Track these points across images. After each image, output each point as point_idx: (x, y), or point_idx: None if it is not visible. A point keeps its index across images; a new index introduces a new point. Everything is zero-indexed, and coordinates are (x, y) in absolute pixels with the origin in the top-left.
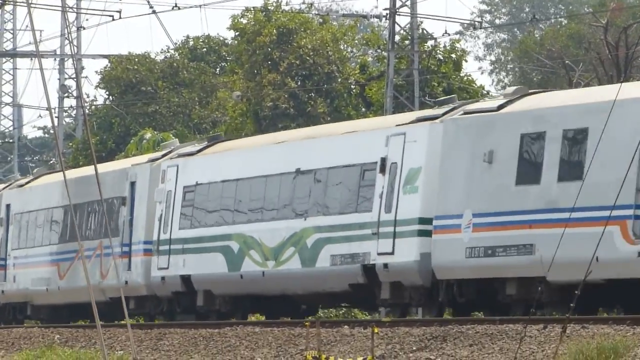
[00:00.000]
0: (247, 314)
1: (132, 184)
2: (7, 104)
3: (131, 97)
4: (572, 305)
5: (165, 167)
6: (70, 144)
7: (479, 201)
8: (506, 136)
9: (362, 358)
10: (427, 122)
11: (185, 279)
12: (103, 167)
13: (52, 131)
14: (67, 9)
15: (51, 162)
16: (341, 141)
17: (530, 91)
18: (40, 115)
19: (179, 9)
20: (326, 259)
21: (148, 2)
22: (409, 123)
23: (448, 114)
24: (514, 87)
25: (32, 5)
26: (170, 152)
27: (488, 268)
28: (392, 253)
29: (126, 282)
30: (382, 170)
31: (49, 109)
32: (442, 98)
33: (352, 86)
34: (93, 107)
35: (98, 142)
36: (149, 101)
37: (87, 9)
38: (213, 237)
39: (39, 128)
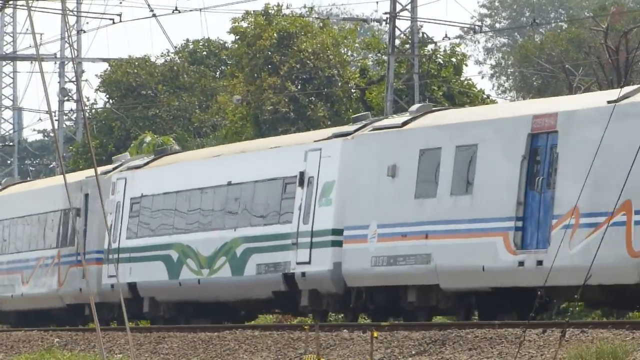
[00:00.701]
0: (190, 319)
1: (86, 196)
2: (7, 107)
3: (131, 101)
4: (570, 309)
5: (115, 180)
6: (71, 147)
7: (383, 213)
8: (407, 151)
9: None
10: (340, 139)
11: (132, 287)
12: (60, 180)
13: (52, 134)
14: (68, 12)
15: (51, 165)
16: (266, 156)
17: (433, 109)
18: (40, 119)
19: (179, 12)
20: (253, 267)
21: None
22: (325, 139)
23: (360, 130)
24: (419, 105)
25: (33, 9)
26: (120, 165)
27: (391, 276)
28: (309, 262)
29: (80, 290)
30: (301, 184)
31: (49, 112)
32: (356, 115)
33: (352, 90)
34: (93, 110)
35: (98, 146)
36: (149, 105)
37: (88, 12)
38: (155, 247)
39: (39, 131)
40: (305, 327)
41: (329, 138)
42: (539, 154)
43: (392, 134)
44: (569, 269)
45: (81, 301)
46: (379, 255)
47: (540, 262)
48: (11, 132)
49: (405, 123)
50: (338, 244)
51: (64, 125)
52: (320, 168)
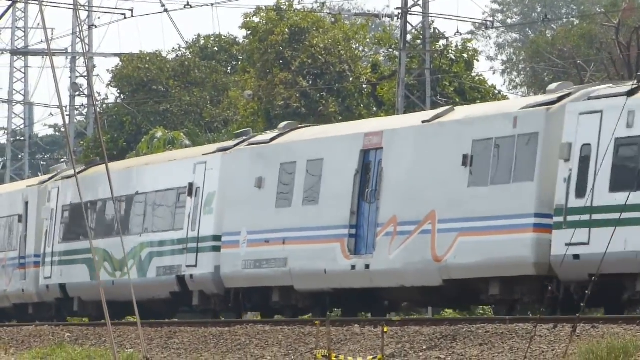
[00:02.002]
0: (116, 318)
1: (26, 204)
2: (18, 102)
3: (142, 96)
4: (582, 304)
5: (50, 189)
6: (82, 142)
7: (252, 221)
8: (271, 165)
9: (372, 357)
10: (221, 153)
11: (63, 287)
12: (5, 188)
13: (63, 129)
14: (79, 7)
15: (62, 160)
16: (165, 168)
17: (299, 125)
18: (51, 114)
19: (191, 7)
20: (154, 270)
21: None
22: (210, 153)
23: (238, 146)
24: (286, 122)
25: (44, 4)
26: (56, 174)
27: (258, 278)
28: (195, 266)
29: (23, 290)
30: (190, 194)
31: (60, 107)
32: (239, 131)
33: (363, 86)
34: (104, 105)
35: (109, 141)
36: (161, 100)
37: (99, 7)
38: (80, 251)
39: (50, 126)
40: (317, 322)
41: (213, 152)
42: (370, 168)
43: (260, 149)
44: (389, 271)
45: (24, 301)
46: (248, 259)
47: (367, 266)
48: (22, 127)
49: (272, 139)
50: (218, 249)
51: (75, 120)
52: (205, 180)
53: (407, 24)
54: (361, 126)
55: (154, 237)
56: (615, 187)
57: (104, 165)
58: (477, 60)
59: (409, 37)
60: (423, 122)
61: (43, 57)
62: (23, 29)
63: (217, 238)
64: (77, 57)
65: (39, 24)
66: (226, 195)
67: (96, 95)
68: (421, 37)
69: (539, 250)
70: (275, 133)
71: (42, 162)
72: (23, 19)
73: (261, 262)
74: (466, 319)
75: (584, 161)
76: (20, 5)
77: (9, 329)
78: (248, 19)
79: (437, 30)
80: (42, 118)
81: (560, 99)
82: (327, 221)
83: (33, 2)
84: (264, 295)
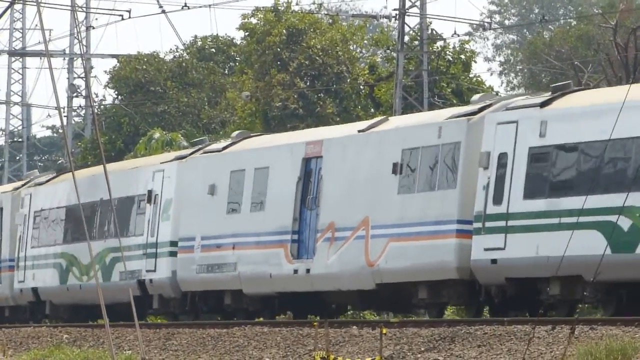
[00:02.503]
0: (85, 321)
1: (1, 209)
2: (16, 103)
3: (140, 97)
4: (580, 305)
5: (23, 195)
6: (79, 143)
7: (205, 227)
8: (222, 173)
9: (370, 358)
10: (177, 161)
11: (35, 291)
12: None
13: (61, 131)
14: (77, 8)
15: (60, 161)
16: (127, 175)
17: (251, 134)
18: (49, 115)
19: (189, 8)
20: (117, 274)
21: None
22: (168, 161)
23: (195, 153)
24: (238, 132)
25: (42, 5)
26: (29, 181)
27: (210, 282)
28: (154, 270)
29: None
30: (149, 201)
31: (58, 108)
32: (195, 140)
33: (361, 87)
34: (102, 106)
35: (107, 142)
36: (158, 101)
37: (97, 8)
38: (50, 255)
39: (48, 127)
40: (315, 323)
41: (170, 161)
42: (311, 176)
43: (213, 157)
44: (328, 276)
45: (0, 304)
46: (201, 264)
47: (308, 270)
48: (20, 128)
49: (225, 147)
50: (175, 254)
51: (73, 122)
52: (163, 187)
53: (405, 25)
54: (304, 135)
55: (117, 242)
56: (528, 194)
57: (70, 173)
58: (475, 62)
59: (406, 38)
60: (359, 131)
61: (41, 58)
62: (21, 30)
63: (174, 244)
64: (75, 58)
65: (36, 25)
66: (182, 202)
67: (94, 96)
68: (419, 38)
69: (461, 255)
70: (228, 142)
71: (40, 164)
72: (21, 20)
73: (213, 266)
74: (464, 320)
75: (501, 169)
76: (18, 6)
77: (7, 330)
78: (245, 20)
79: (434, 32)
80: (39, 119)
81: (481, 109)
82: (272, 227)
83: (31, 3)
84: (217, 298)
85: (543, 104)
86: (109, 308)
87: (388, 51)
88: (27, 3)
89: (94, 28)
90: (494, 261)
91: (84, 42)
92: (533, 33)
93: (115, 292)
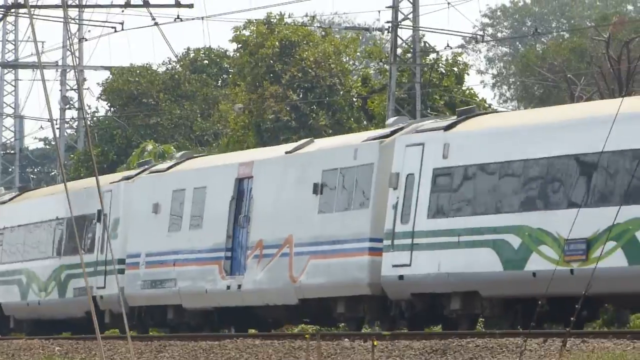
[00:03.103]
0: (48, 336)
1: None
2: (8, 115)
3: (133, 109)
4: (572, 319)
5: None
6: (72, 155)
7: (149, 244)
8: (165, 192)
9: None
10: (124, 181)
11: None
12: None
13: (53, 142)
14: (70, 20)
15: (52, 173)
16: (80, 195)
17: (194, 155)
18: (41, 127)
19: (181, 20)
20: (71, 291)
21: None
22: (117, 181)
23: (141, 174)
24: (181, 152)
25: (34, 17)
26: None
27: (154, 297)
28: (104, 287)
29: None
30: (99, 220)
31: (50, 120)
32: (141, 161)
33: (354, 99)
34: (95, 118)
35: (100, 154)
36: (151, 113)
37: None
38: (12, 272)
39: (41, 139)
40: (307, 335)
41: (118, 181)
42: (243, 195)
43: (157, 177)
44: (257, 291)
45: None
46: (146, 279)
47: (239, 286)
48: (12, 140)
49: (168, 168)
50: (123, 271)
51: (66, 134)
52: (111, 206)
53: (398, 38)
54: (238, 157)
55: (71, 260)
56: (432, 213)
57: (33, 192)
58: (468, 74)
59: (399, 50)
60: (286, 153)
61: (33, 70)
62: (13, 42)
63: (122, 261)
64: (68, 70)
65: (29, 37)
66: (129, 220)
67: (86, 108)
68: (411, 50)
69: (373, 271)
70: (172, 162)
71: (32, 176)
72: (13, 31)
73: (156, 282)
74: (456, 333)
75: (408, 189)
76: (10, 18)
77: None
78: (238, 32)
79: (427, 44)
80: (32, 131)
81: (393, 132)
82: (208, 244)
83: (23, 15)
84: (161, 313)
85: (447, 128)
86: (65, 323)
87: (381, 63)
88: (19, 15)
89: (86, 40)
90: (401, 277)
91: (77, 54)
92: (526, 46)
93: (70, 307)
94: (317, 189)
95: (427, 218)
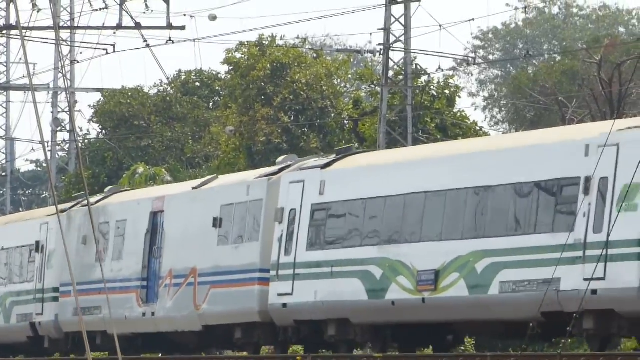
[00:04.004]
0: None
1: None
2: (0, 137)
3: (124, 131)
4: (563, 340)
5: None
6: (63, 177)
7: (79, 273)
8: (91, 225)
9: None
10: (56, 215)
11: None
12: None
13: (45, 165)
14: (61, 42)
15: (44, 195)
16: (21, 227)
17: (120, 190)
18: (33, 149)
19: (173, 42)
20: (15, 317)
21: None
22: (53, 214)
23: (74, 207)
24: (110, 187)
25: (26, 38)
26: None
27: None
28: (42, 314)
29: None
30: (37, 250)
31: (42, 142)
32: (76, 194)
33: (345, 121)
34: (86, 140)
35: (91, 176)
36: (142, 135)
37: (81, 42)
38: None
39: (32, 161)
40: (298, 357)
41: (54, 213)
42: (157, 228)
43: (84, 211)
44: (167, 318)
45: None
46: (75, 307)
47: (153, 313)
48: (4, 162)
49: (97, 202)
50: (57, 299)
51: (57, 156)
52: (48, 238)
53: (389, 60)
54: (154, 192)
55: (14, 287)
56: (310, 246)
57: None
58: (459, 97)
59: (390, 73)
60: (193, 188)
61: (25, 92)
62: (5, 64)
63: (56, 289)
64: (59, 92)
65: (20, 59)
66: (63, 251)
67: (78, 130)
68: (403, 73)
69: (262, 300)
70: (101, 196)
71: (23, 198)
72: (5, 53)
73: (85, 309)
74: (448, 355)
75: (291, 223)
76: (1, 40)
77: None
78: (230, 55)
79: (419, 67)
80: (23, 153)
81: (280, 170)
82: (127, 274)
83: (15, 37)
84: (91, 339)
85: (324, 166)
86: (9, 347)
87: (372, 86)
88: (11, 37)
89: (78, 62)
90: (284, 305)
91: (68, 76)
92: (517, 68)
93: (13, 333)
94: (217, 222)
95: (306, 250)
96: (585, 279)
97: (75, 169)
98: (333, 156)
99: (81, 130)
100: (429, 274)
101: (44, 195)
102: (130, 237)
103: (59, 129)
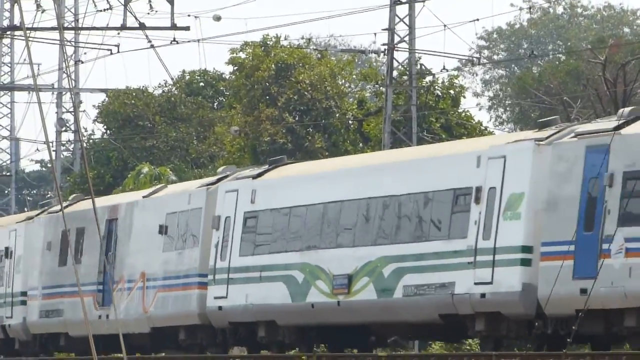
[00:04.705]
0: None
1: None
2: (4, 137)
3: (129, 132)
4: (568, 340)
5: None
6: (68, 177)
7: (44, 278)
8: (56, 232)
9: None
10: (24, 222)
11: None
12: None
13: (49, 165)
14: (65, 42)
15: (48, 195)
16: None
17: (84, 197)
18: (37, 149)
19: (177, 43)
20: None
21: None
22: (21, 221)
23: (41, 214)
24: (73, 195)
25: (30, 39)
26: None
27: (48, 326)
28: (11, 317)
29: None
30: (7, 256)
31: (46, 142)
32: (44, 202)
33: (349, 121)
34: (91, 141)
35: (96, 176)
36: (147, 135)
37: (86, 42)
38: None
39: (37, 162)
40: (303, 356)
41: (22, 220)
42: (112, 235)
43: (51, 217)
44: (121, 321)
45: None
46: (42, 309)
47: (107, 316)
48: (8, 162)
49: (59, 210)
50: (25, 302)
51: (62, 156)
52: (16, 244)
53: (394, 60)
54: (110, 200)
55: None
56: (242, 252)
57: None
58: (464, 97)
59: (395, 73)
60: (143, 197)
61: (29, 93)
62: (9, 64)
63: (24, 293)
64: (64, 93)
65: (25, 59)
66: (29, 256)
67: (83, 130)
68: (407, 73)
69: (201, 303)
70: (66, 203)
71: (28, 198)
72: (9, 54)
73: (49, 312)
74: (453, 354)
75: (227, 230)
76: (6, 41)
77: None
78: (234, 55)
79: (423, 67)
80: (28, 153)
81: (219, 179)
82: (86, 279)
83: (19, 37)
84: (55, 340)
85: (256, 176)
86: None
87: (377, 86)
88: (15, 37)
89: (82, 62)
90: (220, 308)
91: (73, 77)
92: (522, 68)
93: None
94: (162, 229)
95: (239, 256)
96: (475, 283)
97: (80, 169)
98: (266, 166)
99: (86, 131)
100: (343, 279)
101: (48, 196)
102: (88, 243)
103: (63, 129)
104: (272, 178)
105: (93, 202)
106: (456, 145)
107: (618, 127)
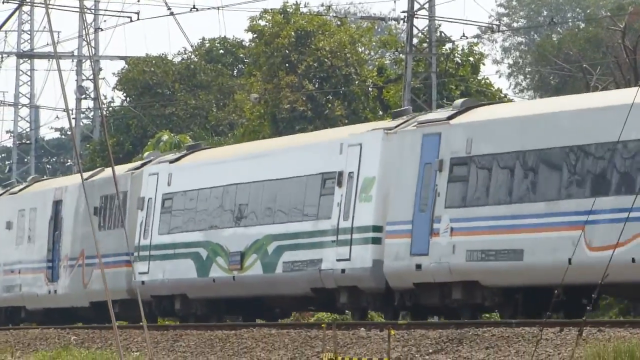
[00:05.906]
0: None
1: None
2: (24, 105)
3: (148, 99)
4: (588, 308)
5: None
6: (88, 145)
7: (5, 255)
8: (14, 212)
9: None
10: None
11: None
12: None
13: (69, 133)
14: (85, 10)
15: (68, 163)
16: None
17: (41, 179)
18: (57, 117)
19: (197, 10)
20: None
21: (166, 3)
22: None
23: (3, 195)
24: (31, 177)
25: (50, 7)
26: None
27: (8, 300)
28: None
29: None
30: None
31: (66, 110)
32: (5, 183)
33: (369, 89)
34: (110, 108)
35: (115, 144)
36: (166, 103)
37: (105, 10)
38: None
39: (56, 129)
40: (323, 324)
41: None
42: (58, 215)
43: (10, 198)
44: (65, 295)
45: None
46: (2, 285)
47: (55, 291)
48: (28, 130)
49: (20, 190)
50: None
51: (82, 124)
52: None
53: (413, 27)
54: (58, 182)
55: None
56: (160, 230)
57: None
58: (483, 64)
59: (415, 40)
60: (84, 180)
61: (49, 60)
62: (29, 32)
63: None
64: (83, 60)
65: (45, 27)
66: None
67: (102, 98)
68: (427, 40)
69: (129, 279)
70: (23, 185)
71: (48, 166)
72: (29, 22)
73: (8, 287)
74: (473, 322)
75: (149, 210)
76: (26, 8)
77: (15, 331)
78: (254, 22)
79: (443, 34)
80: (48, 121)
81: (143, 164)
82: (38, 256)
83: (39, 4)
84: (15, 312)
85: (173, 160)
86: None
87: (396, 53)
88: (35, 5)
89: (102, 30)
90: (143, 283)
91: (93, 44)
92: (541, 35)
93: None
94: (97, 211)
95: (158, 234)
96: (337, 260)
97: (100, 137)
98: (184, 152)
99: (105, 98)
100: (237, 256)
101: (68, 163)
102: (39, 223)
103: (83, 96)
104: (186, 163)
105: (113, 169)
106: (327, 133)
107: (451, 117)
